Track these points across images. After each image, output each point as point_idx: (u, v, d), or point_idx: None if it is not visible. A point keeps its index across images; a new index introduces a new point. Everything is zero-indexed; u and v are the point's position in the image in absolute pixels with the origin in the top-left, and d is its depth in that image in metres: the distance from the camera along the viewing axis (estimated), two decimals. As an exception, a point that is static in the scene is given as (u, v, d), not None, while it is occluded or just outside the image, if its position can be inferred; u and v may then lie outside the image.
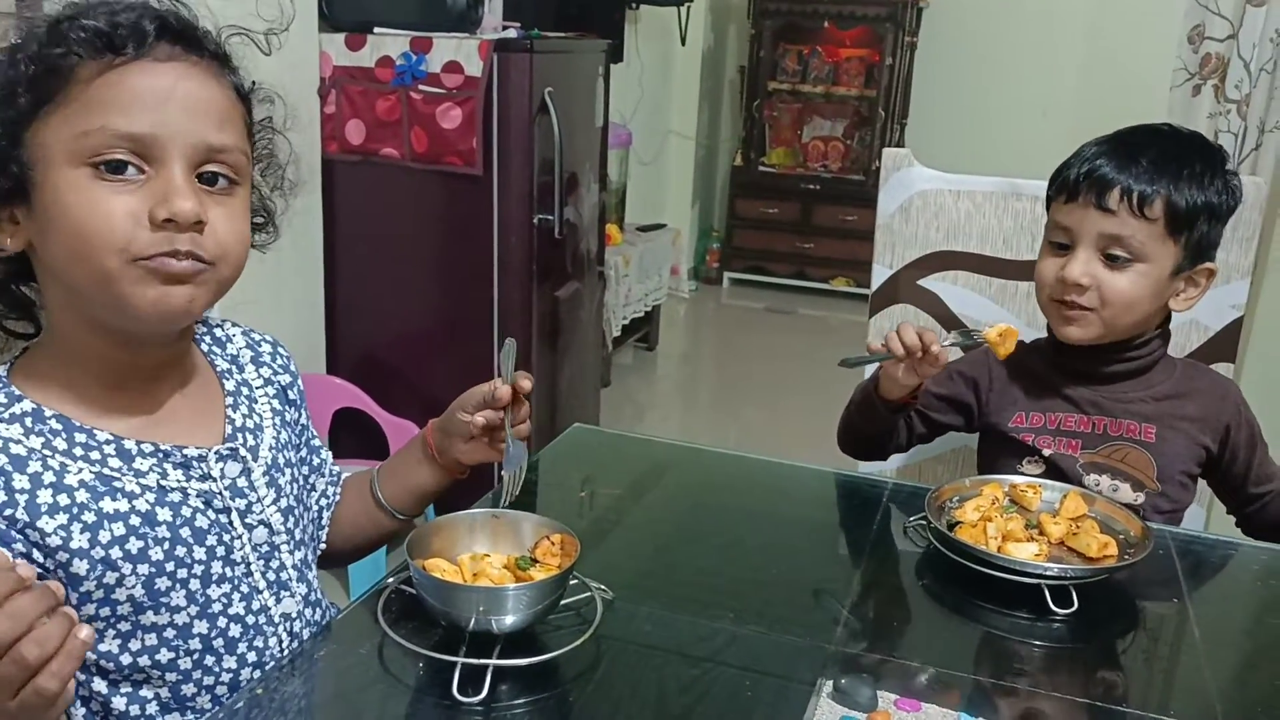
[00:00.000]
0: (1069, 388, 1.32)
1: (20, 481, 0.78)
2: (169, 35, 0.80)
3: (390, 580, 0.95)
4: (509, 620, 0.85)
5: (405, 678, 0.86)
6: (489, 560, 0.93)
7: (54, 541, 0.78)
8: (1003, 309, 1.56)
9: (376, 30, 2.56)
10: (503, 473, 1.00)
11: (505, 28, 2.87)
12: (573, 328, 3.00)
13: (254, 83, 0.89)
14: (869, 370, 1.36)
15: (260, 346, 1.02)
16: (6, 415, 0.81)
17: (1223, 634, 1.01)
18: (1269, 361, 2.12)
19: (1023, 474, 1.27)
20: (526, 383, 1.00)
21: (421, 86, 2.52)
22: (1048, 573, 1.00)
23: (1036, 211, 1.54)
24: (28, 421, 0.81)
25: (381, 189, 2.64)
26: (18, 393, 0.82)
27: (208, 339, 0.98)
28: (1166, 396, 1.30)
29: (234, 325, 1.02)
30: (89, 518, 0.80)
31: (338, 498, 1.09)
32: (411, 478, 1.08)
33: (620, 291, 4.07)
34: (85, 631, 0.65)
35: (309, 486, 1.04)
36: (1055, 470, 1.30)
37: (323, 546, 1.06)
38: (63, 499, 0.79)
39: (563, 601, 0.91)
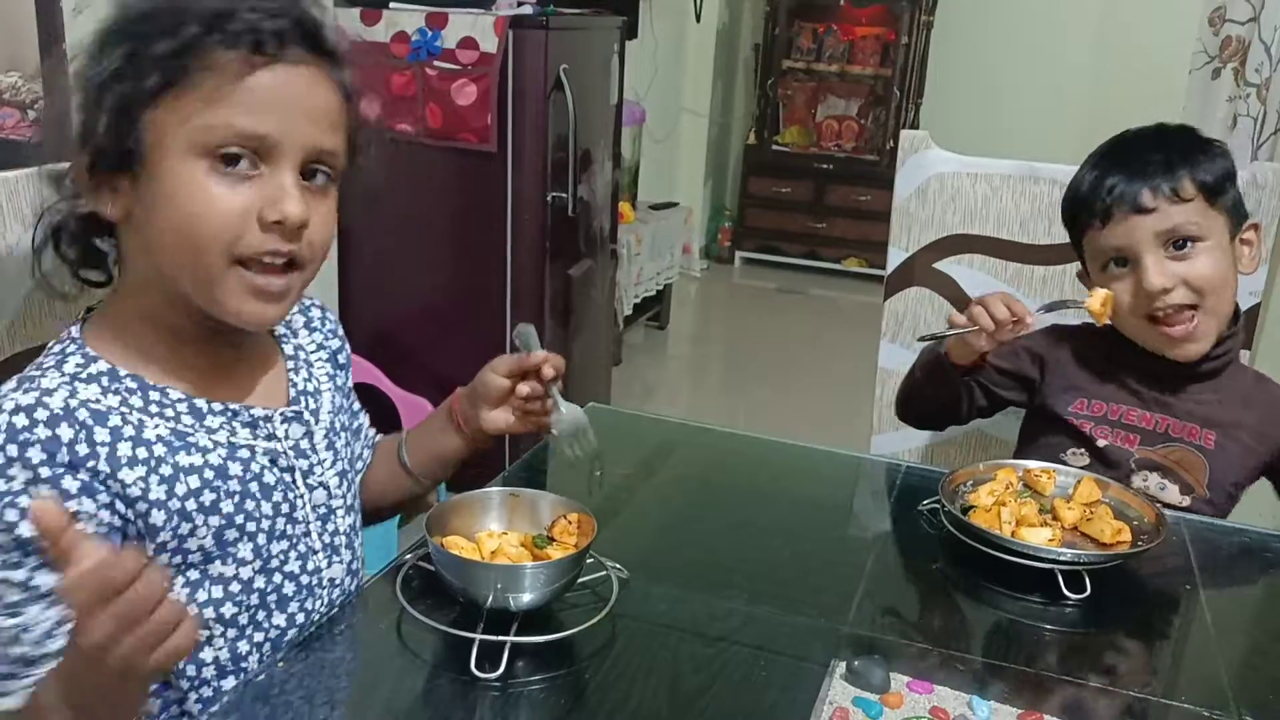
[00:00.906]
0: (1136, 381, 1.30)
1: (101, 435, 0.80)
2: (306, 40, 0.82)
3: (409, 557, 0.96)
4: (526, 598, 0.86)
5: (423, 653, 0.87)
6: (506, 538, 0.94)
7: (134, 492, 0.81)
8: (1019, 293, 1.56)
9: (392, 5, 2.55)
10: (554, 434, 1.01)
11: (521, 4, 2.85)
12: (585, 306, 3.00)
13: (358, 90, 0.90)
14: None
15: (310, 311, 1.04)
16: (84, 375, 0.83)
17: (1235, 620, 1.02)
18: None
19: (1066, 464, 1.24)
20: (550, 370, 1.01)
21: (437, 62, 2.52)
22: (1061, 558, 1.00)
23: (1054, 195, 1.53)
24: (104, 381, 0.83)
25: (395, 165, 2.63)
26: (93, 354, 0.84)
27: None
28: (1233, 406, 1.28)
29: None
30: (166, 470, 0.83)
31: (369, 459, 1.12)
32: (436, 445, 1.09)
33: (632, 270, 4.06)
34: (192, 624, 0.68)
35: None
36: (1105, 462, 1.28)
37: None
38: (141, 452, 0.82)
39: (579, 580, 0.92)
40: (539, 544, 0.93)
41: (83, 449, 0.79)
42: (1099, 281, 1.28)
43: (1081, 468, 1.25)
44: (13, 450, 0.76)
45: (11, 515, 0.76)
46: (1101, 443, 1.29)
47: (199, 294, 0.83)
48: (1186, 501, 1.27)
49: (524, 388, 1.02)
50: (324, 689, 0.84)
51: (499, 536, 0.94)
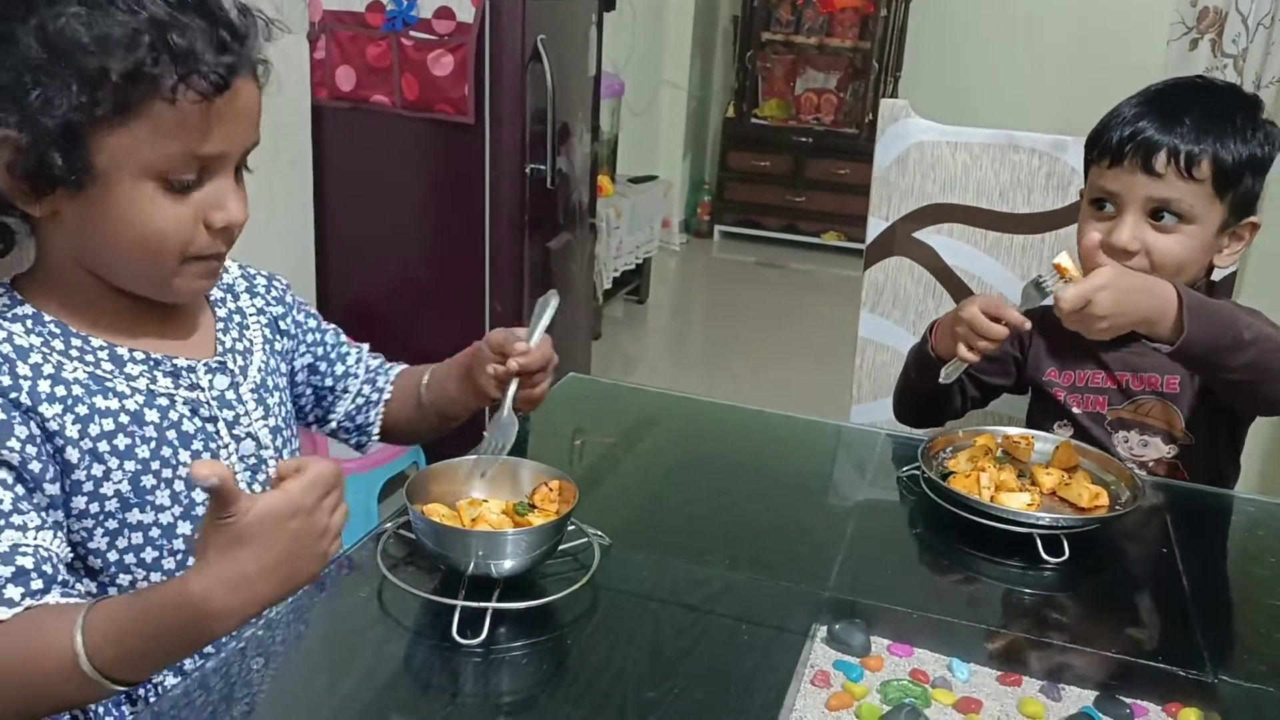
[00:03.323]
0: (1098, 346, 1.29)
1: (23, 369, 0.83)
2: (248, 62, 0.84)
3: (389, 525, 0.96)
4: (507, 564, 0.86)
5: (405, 620, 0.87)
6: (487, 505, 0.94)
7: (52, 427, 0.83)
8: (998, 262, 1.56)
9: (367, -26, 2.52)
10: (484, 432, 1.01)
11: (497, -27, 2.82)
12: (564, 279, 2.98)
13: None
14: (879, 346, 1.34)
15: (255, 280, 1.06)
16: (9, 315, 0.86)
17: (1211, 583, 1.03)
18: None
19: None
20: (514, 364, 1.00)
21: (413, 32, 2.49)
22: (1040, 522, 1.01)
23: (1034, 164, 1.54)
24: (28, 323, 0.86)
25: (372, 137, 2.61)
26: (19, 298, 0.87)
27: None
28: None
29: (231, 260, 1.04)
30: (82, 410, 0.84)
31: (388, 394, 1.14)
32: (450, 394, 1.11)
33: (611, 244, 4.05)
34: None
35: (334, 396, 1.12)
36: (1083, 434, 1.29)
37: (377, 427, 1.14)
38: (60, 390, 0.84)
39: (560, 547, 0.92)
40: (520, 511, 0.93)
41: (5, 380, 0.81)
42: (1083, 215, 1.27)
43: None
44: None
45: None
46: (1076, 410, 1.31)
47: (148, 289, 0.88)
48: (1173, 451, 1.28)
49: (501, 369, 1.02)
50: (305, 657, 0.84)
51: (480, 504, 0.94)
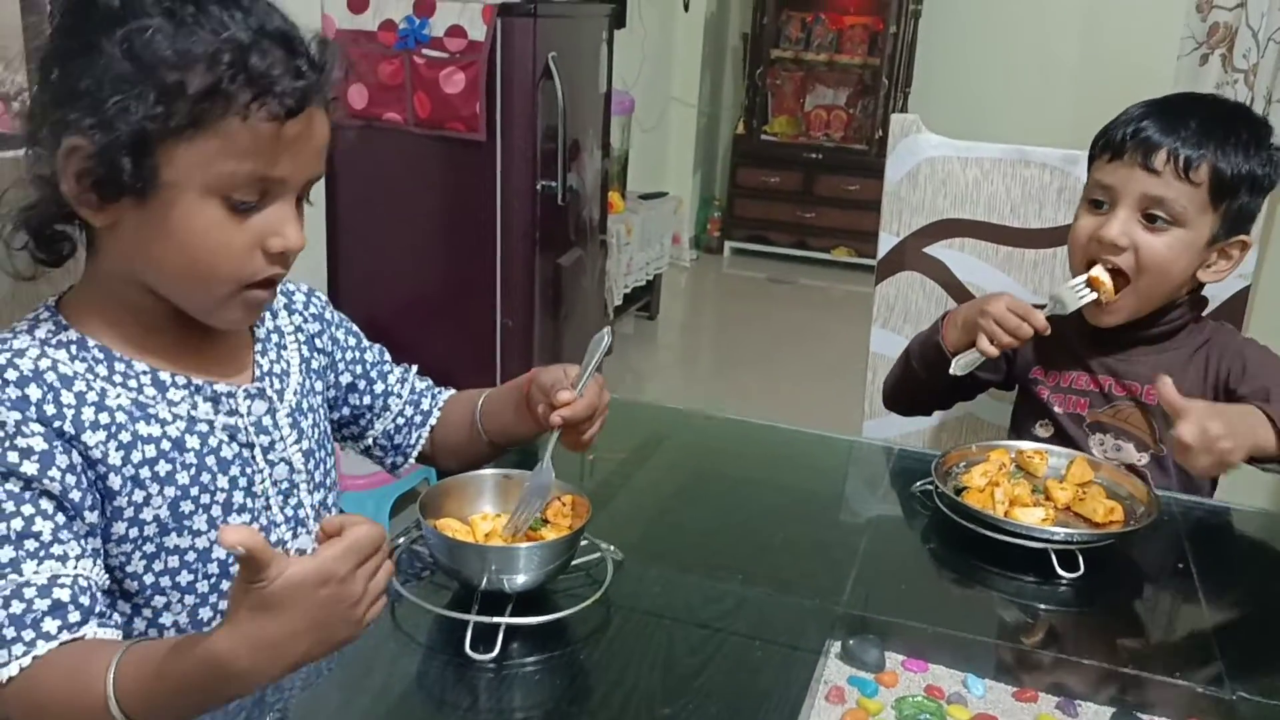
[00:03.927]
0: (1084, 348, 1.31)
1: (67, 398, 0.83)
2: (322, 94, 0.84)
3: (402, 540, 0.96)
4: (521, 579, 0.86)
5: (418, 635, 0.87)
6: (500, 520, 0.94)
7: (95, 455, 0.83)
8: (1010, 277, 1.56)
9: (379, -7, 2.54)
10: (523, 490, 0.96)
11: (508, -9, 2.84)
12: (575, 296, 2.99)
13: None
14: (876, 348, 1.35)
15: (294, 296, 1.06)
16: (54, 341, 0.85)
17: (1227, 598, 1.02)
18: (1273, 333, 2.12)
19: (1035, 437, 1.26)
20: (557, 418, 0.97)
21: (425, 50, 2.51)
22: (1054, 537, 1.01)
23: (1045, 179, 1.54)
24: (73, 349, 0.86)
25: (384, 154, 2.63)
26: (65, 322, 0.87)
27: None
28: (1178, 360, 1.28)
29: None
30: (125, 437, 0.84)
31: (434, 418, 1.14)
32: (510, 421, 1.10)
33: (622, 260, 4.05)
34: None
35: (372, 414, 1.11)
36: (1062, 434, 1.30)
37: (416, 450, 1.14)
38: (104, 417, 0.84)
39: (573, 562, 0.91)
40: (533, 525, 0.93)
41: (49, 409, 0.81)
42: (1080, 214, 1.28)
43: (1047, 439, 1.28)
44: None
45: None
46: (1058, 410, 1.32)
47: (195, 311, 0.87)
48: (1144, 459, 1.28)
49: (555, 418, 0.99)
50: (318, 673, 0.83)
51: (493, 518, 0.94)
